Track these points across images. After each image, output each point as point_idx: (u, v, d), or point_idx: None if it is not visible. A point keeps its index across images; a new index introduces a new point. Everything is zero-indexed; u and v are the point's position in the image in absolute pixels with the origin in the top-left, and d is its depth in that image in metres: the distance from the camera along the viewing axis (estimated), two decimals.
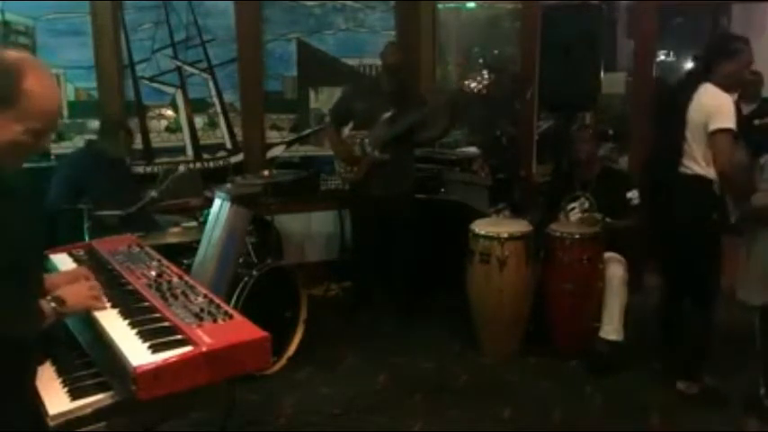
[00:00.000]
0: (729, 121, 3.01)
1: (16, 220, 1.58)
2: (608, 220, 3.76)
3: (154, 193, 3.61)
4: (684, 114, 3.10)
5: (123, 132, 4.03)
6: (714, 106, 3.03)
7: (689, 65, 7.11)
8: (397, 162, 4.08)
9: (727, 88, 3.09)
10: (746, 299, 3.12)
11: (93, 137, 4.30)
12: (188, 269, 3.19)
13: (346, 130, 4.31)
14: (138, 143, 4.54)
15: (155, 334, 1.72)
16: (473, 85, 3.80)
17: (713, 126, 3.01)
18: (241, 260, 3.55)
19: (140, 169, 4.55)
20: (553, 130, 5.43)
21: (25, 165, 1.66)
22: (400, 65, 4.10)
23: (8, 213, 1.56)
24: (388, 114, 4.02)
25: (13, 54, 1.54)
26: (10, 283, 1.52)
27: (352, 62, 4.96)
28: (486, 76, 3.79)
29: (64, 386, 1.74)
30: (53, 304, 1.72)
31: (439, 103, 4.15)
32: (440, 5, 5.31)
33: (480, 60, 6.67)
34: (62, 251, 2.49)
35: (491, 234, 3.71)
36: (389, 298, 4.39)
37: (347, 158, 4.18)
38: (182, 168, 3.97)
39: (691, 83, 3.18)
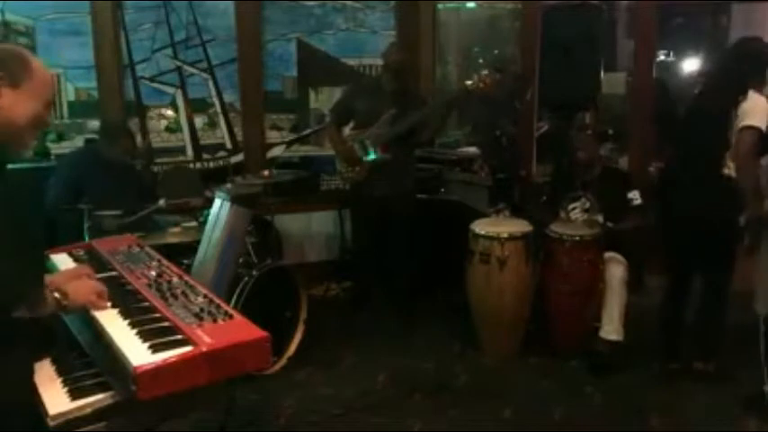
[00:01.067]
0: (759, 121, 3.10)
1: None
2: (609, 224, 3.76)
3: (162, 203, 3.60)
4: (725, 119, 3.16)
5: (124, 136, 4.02)
6: (749, 107, 3.13)
7: (688, 64, 7.12)
8: (399, 162, 4.08)
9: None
10: (758, 308, 3.12)
11: (94, 137, 4.30)
12: (188, 269, 3.18)
13: (346, 130, 4.31)
14: (138, 143, 4.53)
15: (155, 334, 1.72)
16: (477, 85, 3.81)
17: (742, 123, 3.11)
18: (241, 260, 3.55)
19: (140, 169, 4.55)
20: (554, 131, 5.43)
21: (25, 165, 1.68)
22: (403, 66, 4.10)
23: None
24: (389, 114, 4.02)
25: (10, 45, 1.80)
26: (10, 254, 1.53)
27: (352, 62, 4.96)
28: (488, 74, 3.80)
29: (64, 386, 1.74)
30: (56, 295, 1.74)
31: (436, 104, 4.15)
32: (440, 5, 5.31)
33: (480, 60, 6.66)
34: (62, 251, 2.49)
35: (491, 234, 3.71)
36: (389, 298, 4.39)
37: (348, 158, 4.17)
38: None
39: (729, 89, 3.21)
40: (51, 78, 1.76)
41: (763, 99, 3.16)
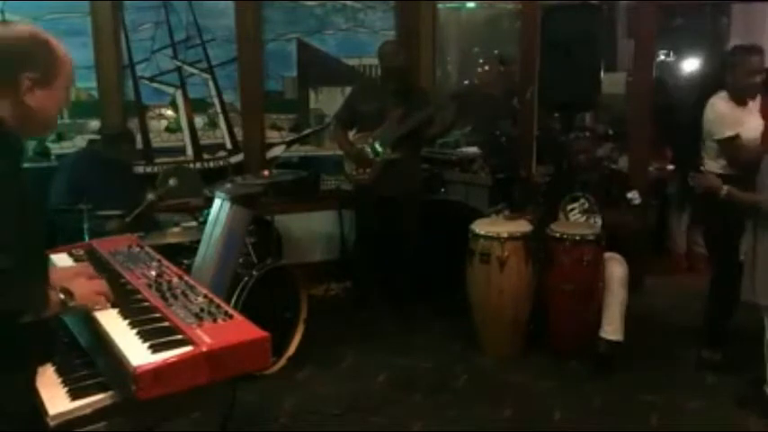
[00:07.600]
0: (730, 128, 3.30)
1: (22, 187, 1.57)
2: (608, 221, 3.77)
3: (151, 196, 3.60)
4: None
5: (125, 139, 4.01)
6: (716, 117, 3.34)
7: (688, 64, 7.12)
8: (407, 162, 4.08)
9: (739, 96, 3.34)
10: (754, 299, 3.13)
11: (94, 137, 4.30)
12: (188, 269, 3.19)
13: (350, 134, 4.31)
14: (137, 143, 4.54)
15: (155, 334, 1.72)
16: (482, 79, 3.84)
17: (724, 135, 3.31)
18: (241, 260, 3.55)
19: (140, 169, 4.55)
20: (545, 134, 5.43)
21: (25, 165, 1.67)
22: (404, 66, 4.10)
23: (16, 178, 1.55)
24: (396, 113, 4.02)
25: (29, 28, 1.62)
26: (15, 255, 1.48)
27: (352, 62, 4.96)
28: (492, 67, 3.84)
29: (64, 386, 1.74)
30: (61, 295, 1.69)
31: (444, 99, 4.16)
32: (440, 5, 5.31)
33: (481, 60, 6.67)
34: (62, 251, 2.49)
35: (491, 234, 3.71)
36: (390, 298, 4.39)
37: (359, 160, 4.15)
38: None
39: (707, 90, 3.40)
40: (71, 62, 1.68)
41: (721, 104, 3.32)
